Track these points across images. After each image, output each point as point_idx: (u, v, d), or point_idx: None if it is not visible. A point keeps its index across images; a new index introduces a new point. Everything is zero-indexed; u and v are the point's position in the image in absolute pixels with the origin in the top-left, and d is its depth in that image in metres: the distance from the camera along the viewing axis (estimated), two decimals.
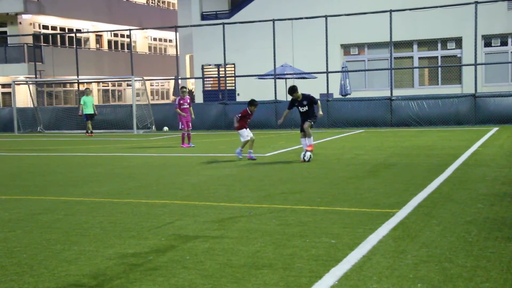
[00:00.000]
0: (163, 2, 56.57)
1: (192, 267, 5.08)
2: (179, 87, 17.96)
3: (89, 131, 24.86)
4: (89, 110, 24.78)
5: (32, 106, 29.73)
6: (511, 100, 22.02)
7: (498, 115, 21.90)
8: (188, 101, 17.39)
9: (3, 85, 40.31)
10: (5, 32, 40.32)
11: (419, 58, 29.90)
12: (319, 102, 13.77)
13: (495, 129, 20.00)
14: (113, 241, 6.09)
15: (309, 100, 13.45)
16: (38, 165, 14.00)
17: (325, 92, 24.83)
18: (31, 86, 30.57)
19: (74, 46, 32.14)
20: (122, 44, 50.49)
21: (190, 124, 17.27)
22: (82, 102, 24.83)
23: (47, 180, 11.13)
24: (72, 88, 43.52)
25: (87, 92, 25.46)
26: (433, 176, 9.69)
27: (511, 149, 13.56)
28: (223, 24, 26.18)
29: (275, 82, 25.12)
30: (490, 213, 6.82)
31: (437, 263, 4.95)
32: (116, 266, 5.17)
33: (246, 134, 13.40)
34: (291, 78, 27.37)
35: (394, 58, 27.67)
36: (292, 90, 13.41)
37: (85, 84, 35.63)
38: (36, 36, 36.50)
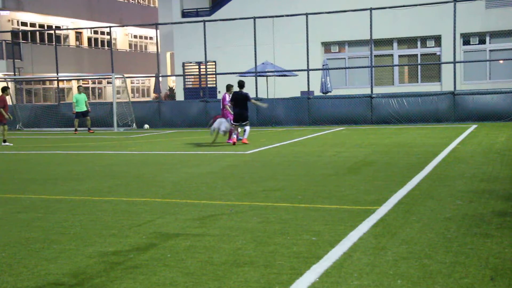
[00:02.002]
0: None
1: (173, 265, 5.07)
2: (226, 85, 18.03)
3: (76, 129, 24.62)
4: (82, 108, 24.53)
5: (11, 103, 29.39)
6: (489, 97, 22.25)
7: (477, 113, 22.11)
8: None
9: None
10: None
11: (399, 56, 30.08)
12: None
13: (473, 126, 20.21)
14: (94, 239, 6.06)
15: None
16: (17, 163, 13.86)
17: (306, 89, 24.89)
18: (9, 83, 30.22)
19: (54, 43, 31.83)
20: (102, 42, 50.13)
21: None
22: (74, 100, 24.54)
23: (26, 178, 11.02)
24: (51, 86, 43.14)
25: (79, 89, 25.17)
26: (412, 173, 9.77)
27: (489, 146, 13.71)
28: (204, 21, 26.11)
29: (256, 80, 25.13)
30: (468, 209, 6.89)
31: (416, 259, 5.00)
32: (97, 265, 5.14)
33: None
34: (272, 75, 27.38)
35: (374, 56, 27.80)
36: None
37: (66, 81, 35.32)
38: (14, 33, 36.13)
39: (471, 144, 14.39)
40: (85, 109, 24.53)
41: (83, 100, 24.55)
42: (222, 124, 16.35)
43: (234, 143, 16.35)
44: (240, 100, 16.62)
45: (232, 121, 16.72)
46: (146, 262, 5.18)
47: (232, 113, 16.93)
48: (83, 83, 47.51)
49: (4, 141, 18.66)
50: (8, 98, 20.17)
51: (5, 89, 19.32)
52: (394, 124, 22.73)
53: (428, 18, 28.14)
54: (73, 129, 24.80)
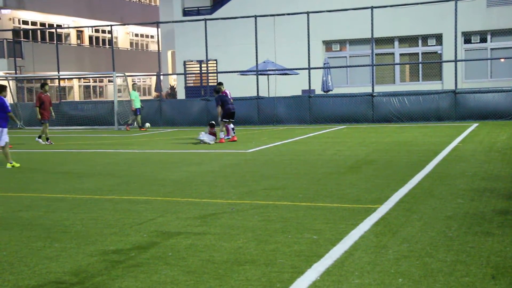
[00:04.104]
0: None
1: (175, 263, 5.07)
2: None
3: (140, 126, 24.69)
4: (138, 105, 24.59)
5: (12, 102, 29.40)
6: (490, 96, 22.24)
7: (478, 111, 22.10)
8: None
9: None
10: None
11: (400, 54, 30.05)
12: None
13: (475, 125, 20.20)
14: (95, 238, 6.06)
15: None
16: (18, 162, 13.85)
17: (307, 88, 24.88)
18: (11, 82, 30.22)
19: (55, 42, 31.83)
20: (104, 40, 50.12)
21: None
22: (134, 97, 24.54)
23: (27, 177, 11.03)
24: (52, 84, 43.11)
25: (134, 87, 25.15)
26: (414, 172, 9.76)
27: (491, 144, 13.70)
28: (205, 20, 26.11)
29: (257, 79, 25.12)
30: (470, 208, 6.89)
31: (418, 258, 5.00)
32: (98, 263, 5.15)
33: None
34: (273, 74, 27.39)
35: (376, 54, 27.79)
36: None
37: (67, 80, 35.28)
38: (16, 32, 36.12)
39: (472, 142, 14.38)
40: (139, 106, 24.66)
41: (137, 98, 24.67)
42: (210, 139, 16.58)
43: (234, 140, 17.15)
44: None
45: (224, 118, 17.32)
46: (147, 260, 5.18)
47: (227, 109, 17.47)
48: (84, 82, 47.54)
49: (47, 139, 18.64)
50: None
51: (43, 86, 19.21)
52: (395, 123, 22.72)
53: (429, 16, 28.12)
54: (137, 126, 24.79)
